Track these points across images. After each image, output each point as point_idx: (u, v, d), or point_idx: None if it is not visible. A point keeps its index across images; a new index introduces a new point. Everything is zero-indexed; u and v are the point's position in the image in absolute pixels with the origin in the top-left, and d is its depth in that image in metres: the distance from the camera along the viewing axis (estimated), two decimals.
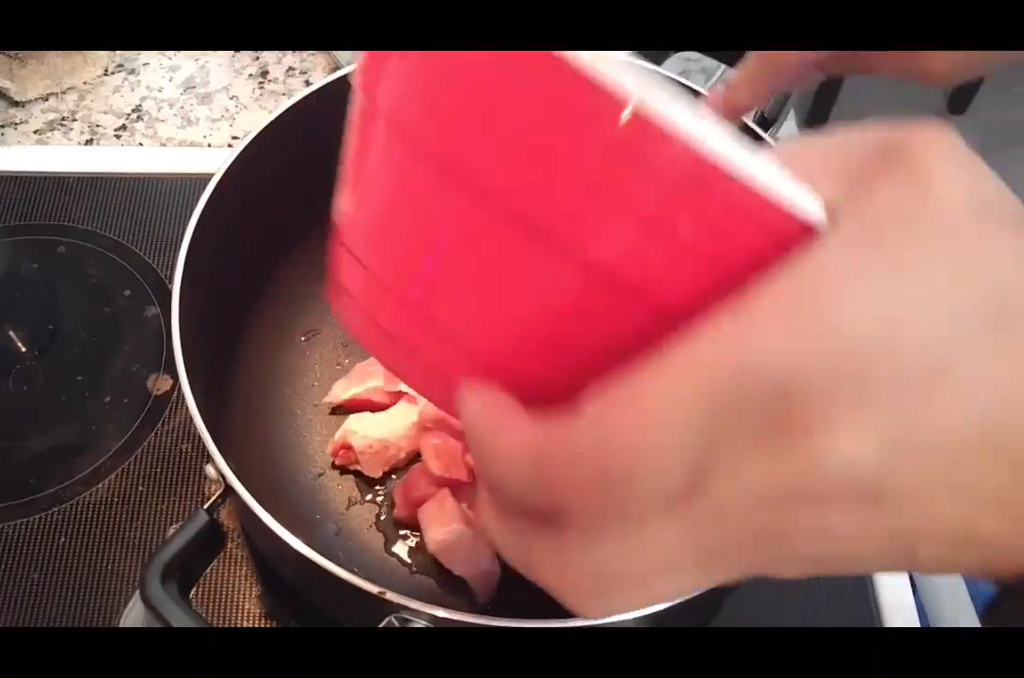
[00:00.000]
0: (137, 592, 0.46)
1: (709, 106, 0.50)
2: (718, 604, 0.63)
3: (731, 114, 0.50)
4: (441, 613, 0.45)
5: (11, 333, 0.76)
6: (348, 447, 0.65)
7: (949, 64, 0.43)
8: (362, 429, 0.65)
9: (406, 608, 0.45)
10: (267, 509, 0.48)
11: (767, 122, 0.65)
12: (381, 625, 0.46)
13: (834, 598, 0.66)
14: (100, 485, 0.67)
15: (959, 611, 0.68)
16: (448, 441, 0.63)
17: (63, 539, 0.65)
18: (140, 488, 0.67)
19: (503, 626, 0.46)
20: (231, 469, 0.49)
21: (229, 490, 0.49)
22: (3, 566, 0.63)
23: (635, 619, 0.46)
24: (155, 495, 0.66)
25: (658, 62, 0.66)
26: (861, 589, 0.66)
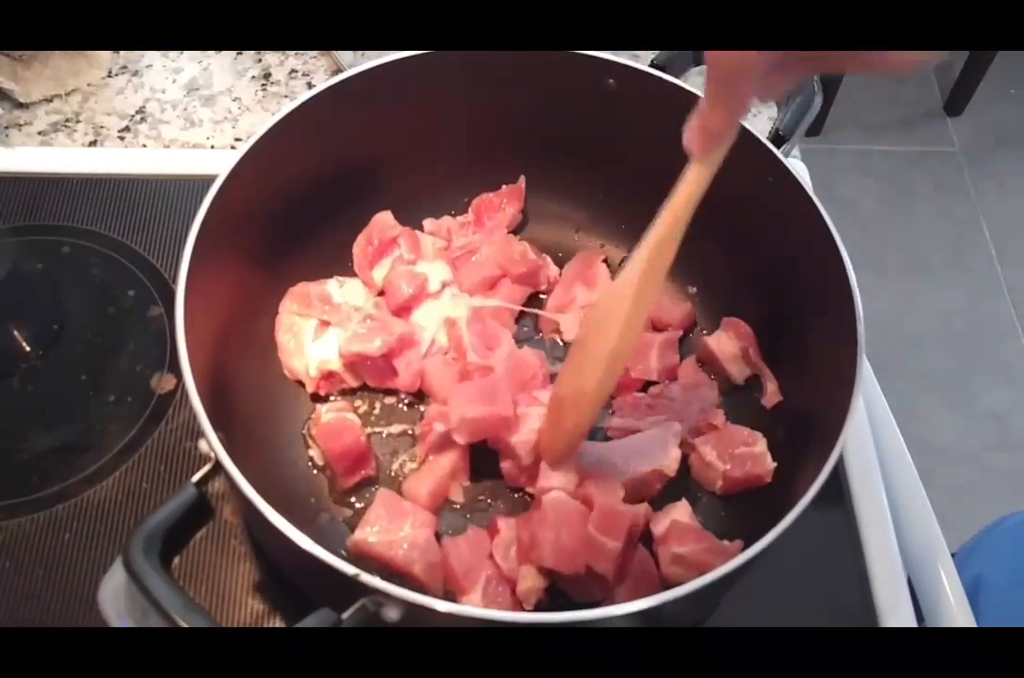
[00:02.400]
0: (120, 557, 0.47)
1: (689, 140, 0.49)
2: (715, 603, 0.64)
3: (712, 143, 0.49)
4: (415, 598, 0.45)
5: (16, 333, 0.76)
6: (330, 374, 0.69)
7: (908, 60, 0.41)
8: (332, 353, 0.69)
9: (380, 592, 0.45)
10: (260, 492, 0.49)
11: (781, 139, 0.65)
12: (354, 608, 0.46)
13: (830, 598, 0.66)
14: (104, 483, 0.67)
15: (956, 611, 0.69)
16: None
17: (67, 536, 0.65)
18: (144, 486, 0.67)
19: (489, 618, 0.47)
20: (221, 443, 0.50)
21: (219, 465, 0.50)
22: (8, 563, 0.64)
23: (632, 618, 0.47)
24: (159, 493, 0.67)
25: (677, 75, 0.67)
26: (858, 589, 0.66)
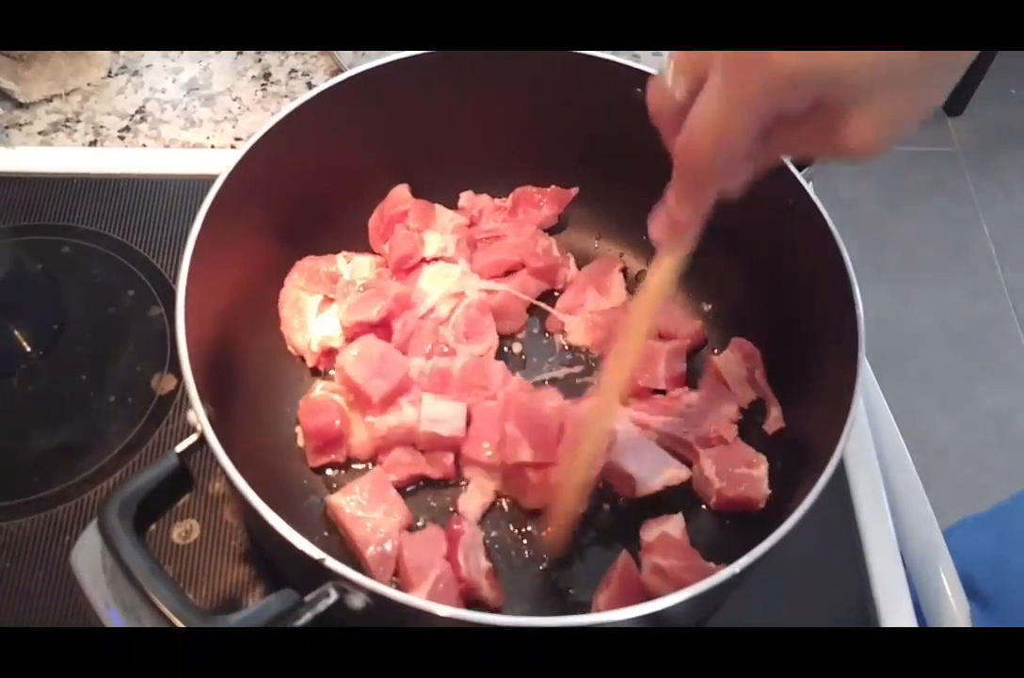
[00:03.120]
0: (95, 520, 0.47)
1: (656, 233, 0.49)
2: (717, 604, 0.64)
3: (680, 234, 0.49)
4: (377, 587, 0.45)
5: (16, 332, 0.76)
6: (330, 351, 0.69)
7: (869, 140, 0.41)
8: (335, 329, 0.69)
9: (344, 578, 0.45)
10: (246, 469, 0.49)
11: (805, 161, 0.65)
12: (317, 592, 0.46)
13: (831, 598, 0.66)
14: (105, 484, 0.67)
15: (956, 611, 0.69)
16: None
17: (67, 537, 0.65)
18: None
19: (466, 619, 0.46)
20: (208, 416, 0.50)
21: (204, 438, 0.50)
22: (9, 564, 0.64)
23: (635, 619, 0.47)
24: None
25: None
26: (858, 589, 0.66)
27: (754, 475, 0.64)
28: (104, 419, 0.70)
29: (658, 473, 0.66)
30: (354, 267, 0.72)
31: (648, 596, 0.59)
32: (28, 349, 0.75)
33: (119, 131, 0.88)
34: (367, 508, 0.62)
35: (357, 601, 0.46)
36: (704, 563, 0.61)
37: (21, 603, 0.62)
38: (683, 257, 0.51)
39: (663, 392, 0.71)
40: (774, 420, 0.68)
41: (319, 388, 0.68)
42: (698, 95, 0.41)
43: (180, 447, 0.51)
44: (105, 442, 0.69)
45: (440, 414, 0.65)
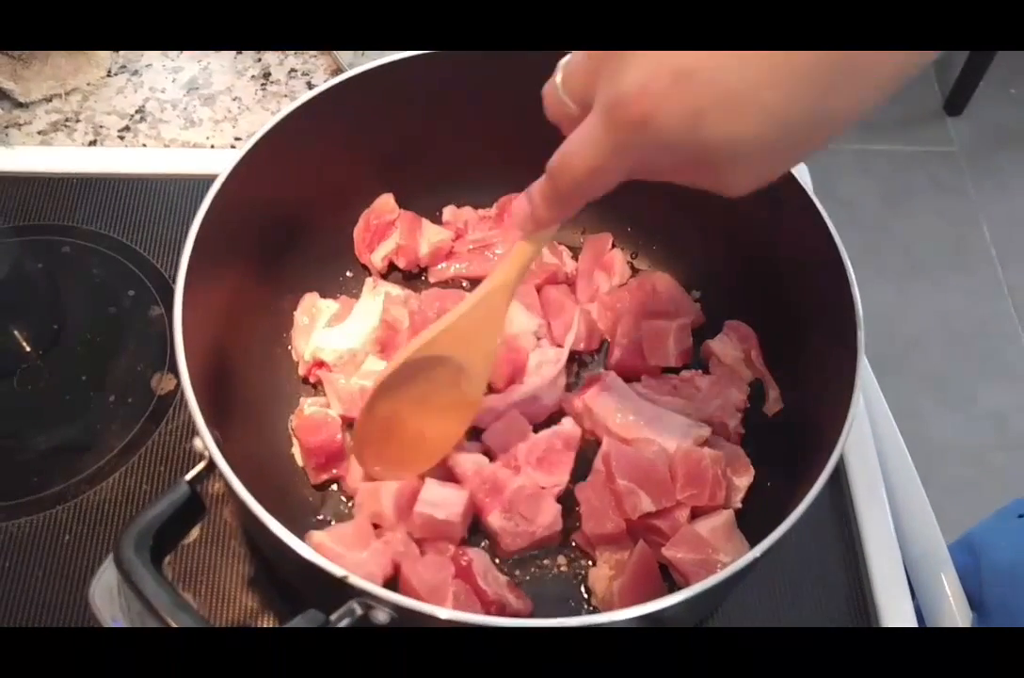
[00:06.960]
0: (111, 554, 0.47)
1: (517, 213, 0.49)
2: (716, 604, 0.64)
3: (536, 227, 0.50)
4: (402, 600, 0.45)
5: (16, 333, 0.76)
6: (320, 363, 0.69)
7: (743, 177, 0.42)
8: (329, 344, 0.69)
9: (368, 594, 0.45)
10: (254, 490, 0.49)
11: None
12: (342, 610, 0.46)
13: (830, 598, 0.66)
14: (104, 484, 0.67)
15: (956, 611, 0.69)
16: None
17: (67, 537, 0.65)
18: (144, 487, 0.67)
19: (487, 625, 0.46)
20: (216, 441, 0.50)
21: (213, 464, 0.50)
22: (8, 564, 0.64)
23: (636, 618, 0.47)
24: (158, 494, 0.67)
25: None
26: (858, 589, 0.66)
27: (736, 483, 0.64)
28: (104, 419, 0.70)
29: (681, 434, 0.66)
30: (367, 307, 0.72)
31: (661, 587, 0.59)
32: (28, 349, 0.75)
33: (119, 131, 0.88)
34: (350, 549, 0.59)
35: (382, 616, 0.46)
36: (719, 560, 0.60)
37: (19, 603, 0.62)
38: (541, 247, 0.54)
39: (675, 372, 0.71)
40: (773, 402, 0.68)
41: (308, 405, 0.67)
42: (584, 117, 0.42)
43: (189, 475, 0.50)
44: (104, 442, 0.69)
45: (440, 498, 0.62)
